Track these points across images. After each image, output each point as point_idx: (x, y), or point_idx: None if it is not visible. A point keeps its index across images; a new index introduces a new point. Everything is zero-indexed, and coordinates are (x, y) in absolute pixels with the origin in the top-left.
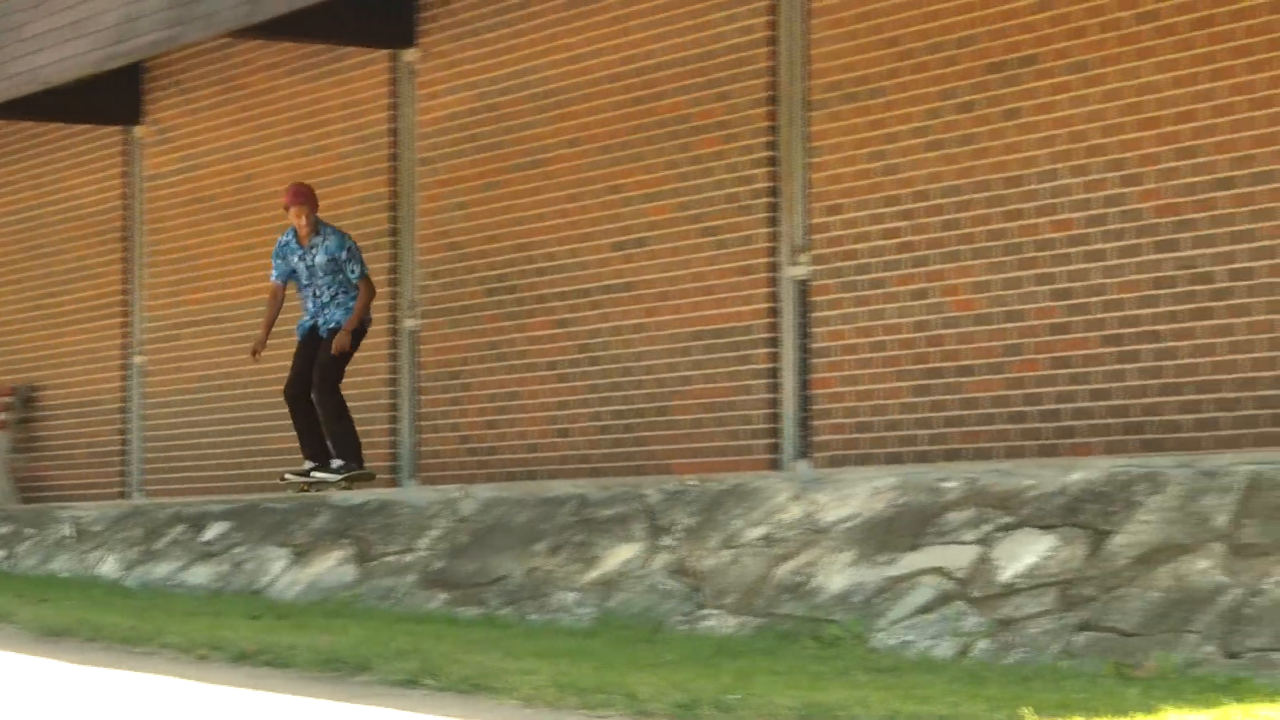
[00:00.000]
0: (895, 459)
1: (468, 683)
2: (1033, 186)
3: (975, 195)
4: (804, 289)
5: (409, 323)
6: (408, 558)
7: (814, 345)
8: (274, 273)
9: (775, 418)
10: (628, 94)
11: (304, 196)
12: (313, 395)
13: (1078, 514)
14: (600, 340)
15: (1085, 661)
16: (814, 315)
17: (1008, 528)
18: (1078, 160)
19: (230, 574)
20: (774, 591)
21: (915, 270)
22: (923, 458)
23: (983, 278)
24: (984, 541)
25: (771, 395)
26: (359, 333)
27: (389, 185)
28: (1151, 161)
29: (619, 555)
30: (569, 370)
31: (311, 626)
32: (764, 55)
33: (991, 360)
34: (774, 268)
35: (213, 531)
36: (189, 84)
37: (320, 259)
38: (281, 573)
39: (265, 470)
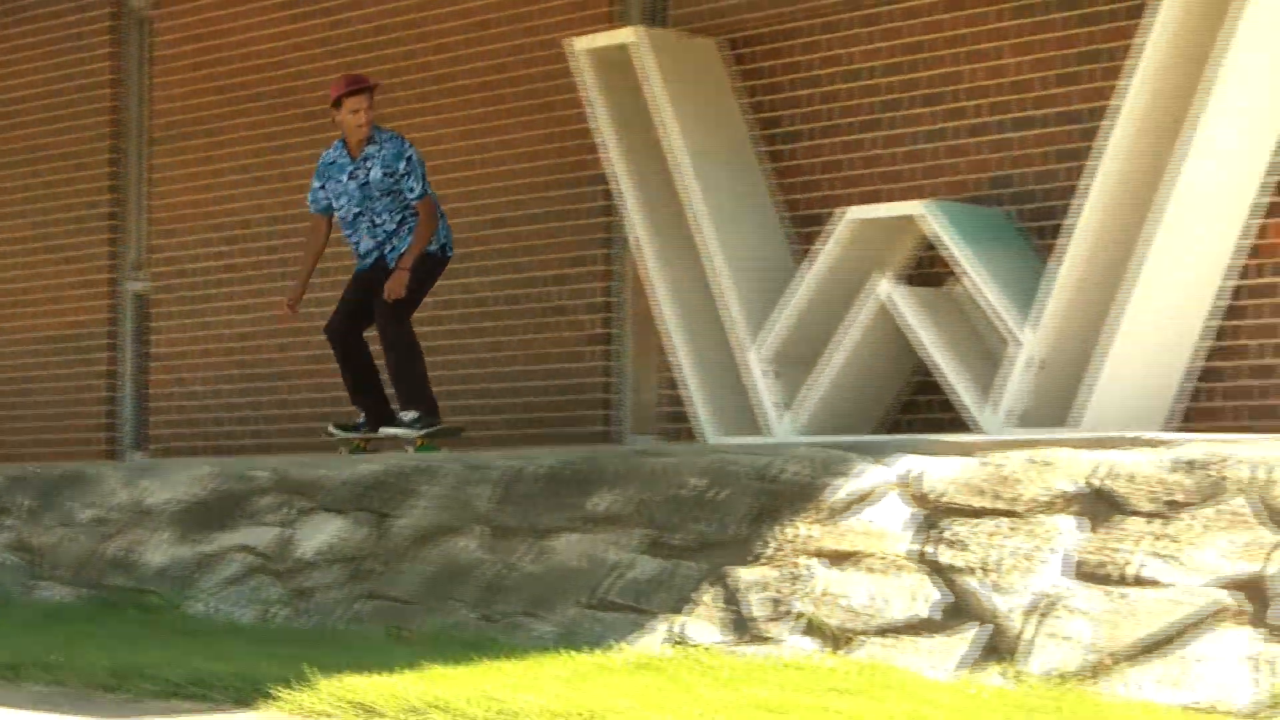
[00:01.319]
0: (220, 451)
1: None
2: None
3: (289, 225)
4: (142, 301)
5: None
6: None
7: (151, 350)
8: (310, 200)
9: (113, 414)
10: None
11: (362, 82)
12: (379, 333)
13: (366, 500)
14: None
15: (368, 627)
16: (151, 324)
17: (307, 511)
18: None
19: None
20: (103, 566)
21: (240, 288)
22: (242, 451)
23: None
24: (287, 523)
25: (111, 394)
26: (433, 263)
27: None
28: (439, 204)
29: None
30: None
31: None
32: (108, 95)
33: (301, 368)
34: (115, 282)
35: None
36: None
37: (376, 174)
38: None
39: None
